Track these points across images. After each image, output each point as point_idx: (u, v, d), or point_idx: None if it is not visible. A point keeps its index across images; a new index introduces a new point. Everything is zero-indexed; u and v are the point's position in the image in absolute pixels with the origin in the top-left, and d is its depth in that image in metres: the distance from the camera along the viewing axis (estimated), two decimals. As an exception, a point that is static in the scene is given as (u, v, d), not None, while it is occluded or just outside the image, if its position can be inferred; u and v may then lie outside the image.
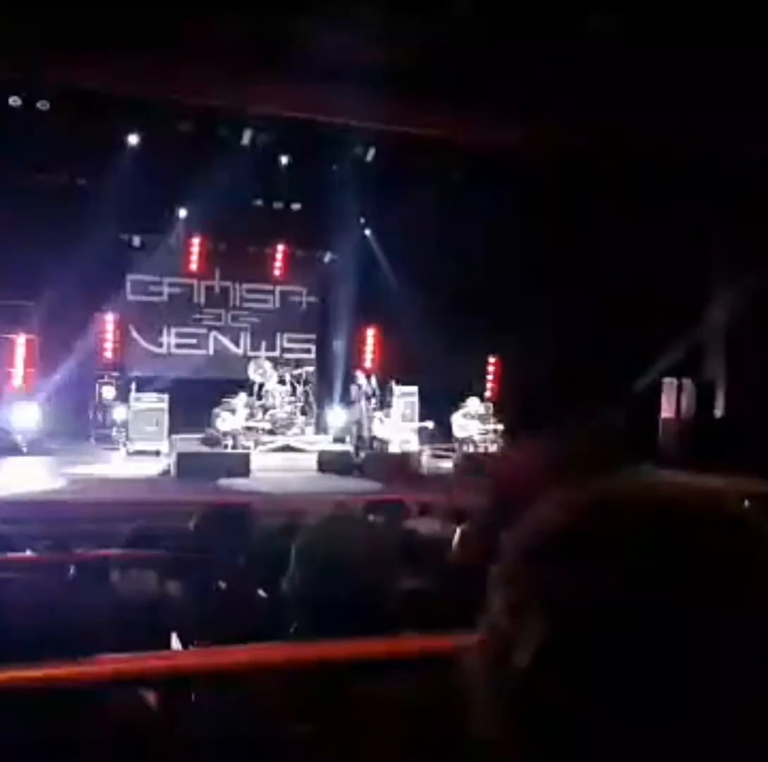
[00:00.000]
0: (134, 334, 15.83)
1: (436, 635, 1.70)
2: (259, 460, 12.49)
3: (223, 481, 11.16)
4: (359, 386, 14.20)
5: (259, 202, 15.13)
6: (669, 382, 14.86)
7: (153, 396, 13.67)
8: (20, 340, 13.78)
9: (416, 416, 14.55)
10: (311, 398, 15.33)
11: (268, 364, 15.26)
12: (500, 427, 14.23)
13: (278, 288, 16.84)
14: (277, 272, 16.53)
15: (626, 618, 0.55)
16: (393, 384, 14.68)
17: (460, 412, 14.33)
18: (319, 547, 1.65)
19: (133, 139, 13.04)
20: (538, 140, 12.31)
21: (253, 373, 14.96)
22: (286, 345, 16.82)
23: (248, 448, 13.19)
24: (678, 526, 0.59)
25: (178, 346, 16.20)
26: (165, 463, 12.36)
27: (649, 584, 0.56)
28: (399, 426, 13.90)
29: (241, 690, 1.60)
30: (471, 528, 3.11)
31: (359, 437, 13.74)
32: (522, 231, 13.70)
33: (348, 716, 1.43)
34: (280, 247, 16.31)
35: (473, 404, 14.47)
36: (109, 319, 15.10)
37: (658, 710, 0.54)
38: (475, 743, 0.62)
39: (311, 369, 15.81)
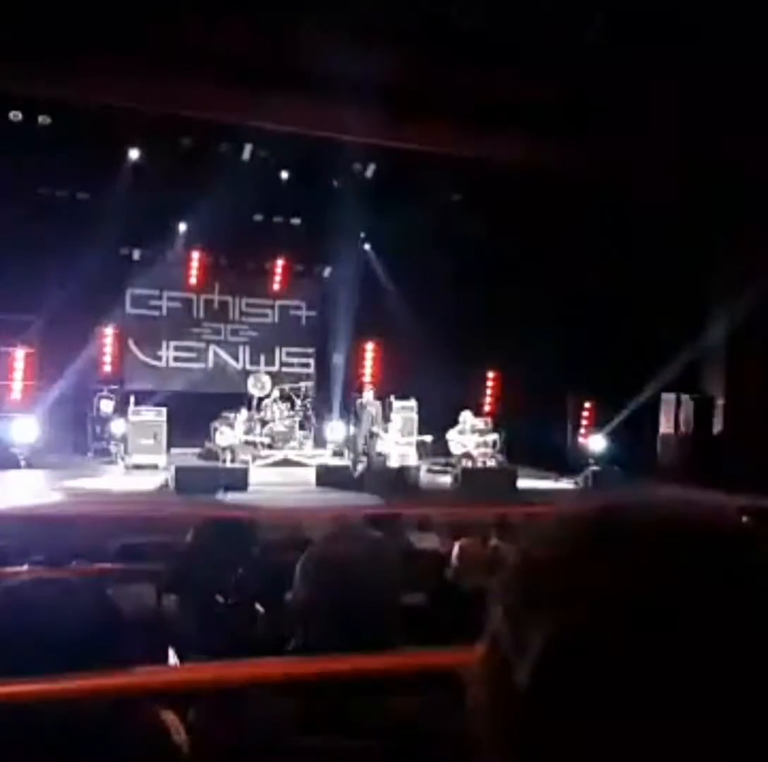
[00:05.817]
0: (133, 347, 15.85)
1: (436, 650, 1.69)
2: (257, 474, 12.47)
3: (222, 495, 11.14)
4: (360, 402, 14.19)
5: (258, 217, 15.19)
6: (668, 398, 14.86)
7: (151, 410, 13.65)
8: (19, 353, 13.78)
9: (415, 430, 14.53)
10: (310, 412, 15.33)
11: (266, 378, 15.26)
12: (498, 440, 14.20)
13: (277, 302, 16.88)
14: (276, 286, 16.57)
15: (627, 633, 0.55)
16: (392, 398, 14.68)
17: (458, 426, 14.31)
18: (327, 562, 1.64)
19: (133, 154, 13.10)
20: (537, 157, 12.36)
21: (252, 387, 14.96)
22: (285, 359, 16.84)
23: (247, 462, 13.17)
24: (681, 541, 0.59)
25: (177, 359, 16.21)
26: (163, 477, 12.33)
27: (652, 600, 0.56)
28: (398, 440, 13.87)
29: (239, 704, 1.60)
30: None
31: (358, 451, 13.71)
32: (520, 246, 13.74)
33: (348, 731, 1.42)
34: (280, 262, 16.36)
35: (471, 419, 14.45)
36: (109, 332, 15.13)
37: (657, 729, 0.54)
38: (475, 758, 0.62)
39: (310, 383, 15.81)
